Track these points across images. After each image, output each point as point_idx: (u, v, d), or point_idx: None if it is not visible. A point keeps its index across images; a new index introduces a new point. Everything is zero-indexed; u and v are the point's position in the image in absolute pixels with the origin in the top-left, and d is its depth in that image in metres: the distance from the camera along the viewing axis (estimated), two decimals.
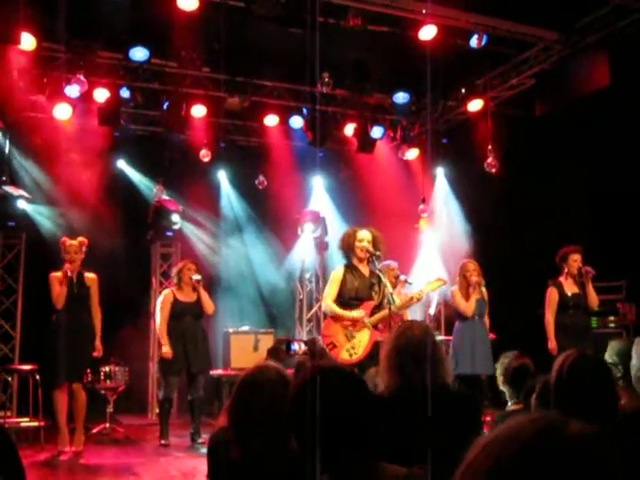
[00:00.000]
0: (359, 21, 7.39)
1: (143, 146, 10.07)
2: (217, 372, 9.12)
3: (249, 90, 9.03)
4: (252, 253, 10.83)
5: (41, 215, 9.30)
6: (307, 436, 1.92)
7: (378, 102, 9.74)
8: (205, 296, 7.86)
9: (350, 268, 6.30)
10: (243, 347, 9.43)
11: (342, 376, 2.09)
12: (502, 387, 3.89)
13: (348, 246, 6.32)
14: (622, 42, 7.27)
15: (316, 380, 1.99)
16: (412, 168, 10.55)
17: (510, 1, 7.41)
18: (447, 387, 3.19)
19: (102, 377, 8.09)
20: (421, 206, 10.10)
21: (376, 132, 9.76)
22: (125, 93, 8.68)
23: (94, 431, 7.97)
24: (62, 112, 8.34)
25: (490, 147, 8.63)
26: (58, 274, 7.22)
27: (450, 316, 8.88)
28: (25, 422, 8.20)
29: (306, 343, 3.73)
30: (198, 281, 7.71)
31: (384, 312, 5.98)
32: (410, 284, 7.54)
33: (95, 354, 7.30)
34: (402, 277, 7.62)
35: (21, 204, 8.95)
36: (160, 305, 7.80)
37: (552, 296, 7.45)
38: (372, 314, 6.14)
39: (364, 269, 6.32)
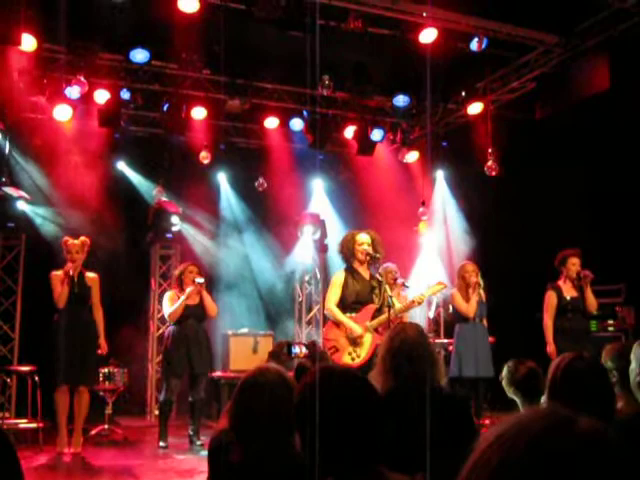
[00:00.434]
0: (359, 24, 7.40)
1: (143, 148, 10.07)
2: (216, 374, 9.12)
3: (249, 92, 9.04)
4: (252, 255, 10.83)
5: (41, 216, 9.30)
6: (313, 438, 1.92)
7: (378, 105, 9.75)
8: (208, 299, 7.85)
9: (351, 272, 6.30)
10: (242, 349, 9.43)
11: (350, 378, 2.08)
12: (513, 395, 3.87)
13: (348, 250, 6.32)
14: (622, 46, 7.28)
15: (323, 382, 1.99)
16: (412, 171, 10.56)
17: (510, 4, 7.41)
18: (441, 389, 3.19)
19: (101, 379, 8.09)
20: (421, 209, 10.11)
21: (376, 135, 9.77)
22: (125, 95, 8.68)
23: (93, 432, 7.96)
24: (62, 113, 8.35)
25: (490, 150, 8.63)
26: (59, 273, 7.23)
27: (449, 319, 8.87)
28: (24, 423, 8.18)
29: (307, 346, 3.72)
30: (201, 284, 7.68)
31: (384, 315, 5.97)
32: (407, 287, 7.55)
33: (100, 352, 7.31)
34: (400, 280, 7.63)
35: (21, 205, 8.95)
36: (168, 302, 7.78)
37: (550, 300, 7.44)
38: (373, 317, 6.14)
39: (364, 272, 6.32)
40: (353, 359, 6.04)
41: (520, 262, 8.55)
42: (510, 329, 8.42)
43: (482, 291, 8.10)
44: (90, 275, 7.37)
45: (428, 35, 7.54)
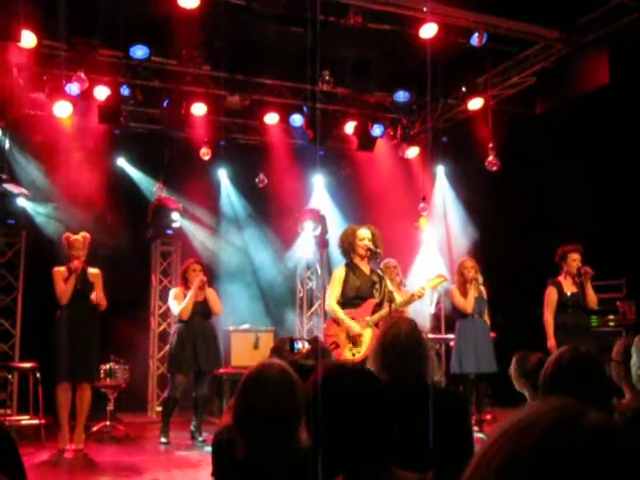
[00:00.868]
0: (360, 19, 7.39)
1: (143, 144, 10.06)
2: (217, 370, 9.12)
3: (249, 88, 9.03)
4: (252, 251, 10.83)
5: (41, 213, 9.30)
6: (324, 435, 1.91)
7: (378, 100, 9.74)
8: (212, 296, 7.86)
9: (351, 267, 6.30)
10: (243, 345, 9.43)
11: (362, 375, 2.08)
12: (522, 388, 3.87)
13: (349, 245, 6.32)
14: (622, 40, 7.27)
15: (335, 379, 1.98)
16: (412, 166, 10.55)
17: None
18: (434, 385, 3.18)
19: (102, 375, 8.09)
20: (421, 204, 10.10)
21: (376, 130, 9.75)
22: (125, 91, 8.67)
23: (94, 429, 7.97)
24: (62, 110, 8.35)
25: (491, 145, 8.62)
26: (62, 269, 7.24)
27: (451, 314, 8.87)
28: (25, 420, 8.20)
29: (309, 341, 3.71)
30: (204, 283, 7.71)
31: (385, 310, 5.97)
32: (404, 287, 7.56)
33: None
34: (397, 278, 7.66)
35: (21, 202, 8.95)
36: (175, 300, 7.80)
37: (551, 295, 7.45)
38: (374, 312, 6.14)
39: (365, 267, 6.32)
40: (354, 355, 6.05)
41: (521, 257, 8.55)
42: (511, 325, 8.42)
43: (482, 287, 8.12)
44: (92, 271, 7.37)
45: (428, 30, 7.54)
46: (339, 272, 6.33)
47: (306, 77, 8.70)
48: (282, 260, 11.00)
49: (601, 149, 8.07)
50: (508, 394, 3.89)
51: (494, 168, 8.61)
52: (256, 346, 9.49)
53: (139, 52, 7.95)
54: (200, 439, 7.64)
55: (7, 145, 8.65)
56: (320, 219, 10.38)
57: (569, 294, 7.40)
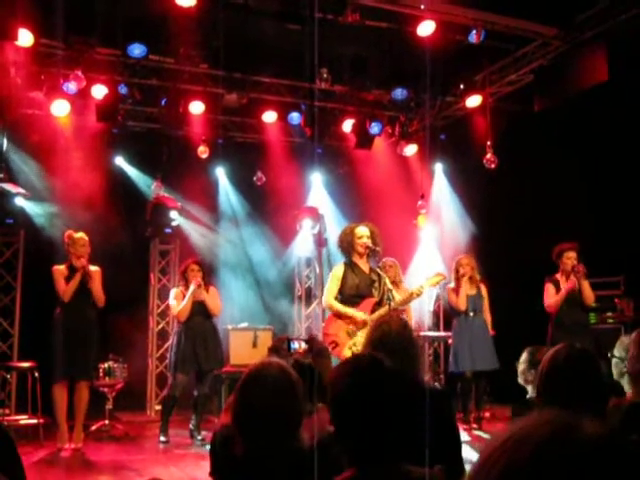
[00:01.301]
0: (357, 16, 7.37)
1: (141, 143, 10.05)
2: (219, 369, 9.12)
3: (247, 86, 9.02)
4: (250, 249, 10.82)
5: (39, 212, 9.28)
6: (349, 428, 1.91)
7: (376, 98, 9.72)
8: (209, 298, 7.84)
9: (350, 265, 6.30)
10: (242, 344, 9.42)
11: (391, 371, 2.06)
12: (527, 383, 3.87)
13: (348, 243, 6.31)
14: (620, 37, 7.27)
15: (363, 376, 1.98)
16: (410, 164, 10.54)
17: None
18: (421, 383, 3.17)
19: (101, 374, 8.09)
20: (419, 202, 10.10)
21: (374, 128, 9.74)
22: (123, 89, 8.65)
23: (93, 428, 7.97)
24: (60, 109, 8.34)
25: (489, 143, 8.62)
26: (61, 267, 7.25)
27: (449, 312, 8.88)
28: (24, 420, 8.19)
29: (306, 341, 3.69)
30: (200, 285, 7.72)
31: (384, 308, 5.97)
32: (402, 283, 7.56)
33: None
34: (397, 277, 7.67)
35: (19, 201, 8.94)
36: (175, 300, 7.80)
37: (549, 290, 7.49)
38: (373, 311, 6.12)
39: (364, 265, 6.31)
40: (353, 353, 6.04)
41: (519, 255, 8.54)
42: (509, 321, 8.41)
43: (482, 285, 8.12)
44: (92, 268, 7.37)
45: (426, 28, 7.52)
46: (338, 270, 6.33)
47: (304, 75, 8.69)
48: (280, 258, 11.00)
49: (599, 147, 8.06)
50: (507, 391, 3.88)
51: (492, 166, 8.61)
52: (254, 344, 9.48)
53: (137, 50, 7.93)
54: (199, 438, 7.64)
55: (5, 144, 8.63)
56: (318, 217, 10.35)
57: None
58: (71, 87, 8.01)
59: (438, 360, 10.77)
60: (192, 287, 7.64)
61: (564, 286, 7.43)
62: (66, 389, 7.18)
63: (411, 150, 10.29)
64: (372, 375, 1.99)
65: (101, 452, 7.19)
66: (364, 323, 6.06)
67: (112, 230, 8.74)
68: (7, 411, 8.66)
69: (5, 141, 8.63)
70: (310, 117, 9.52)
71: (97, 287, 7.33)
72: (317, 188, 11.29)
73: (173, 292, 7.98)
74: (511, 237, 8.89)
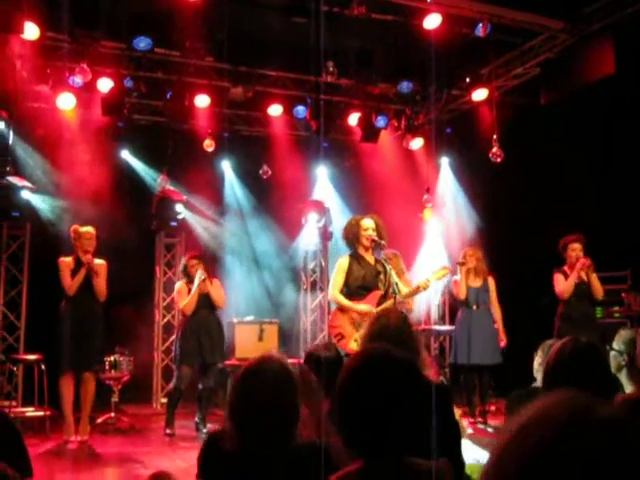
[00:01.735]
0: (363, 10, 7.35)
1: (147, 136, 10.05)
2: (222, 362, 9.13)
3: (253, 80, 9.01)
4: (256, 243, 10.83)
5: (45, 205, 9.30)
6: (356, 420, 1.89)
7: (382, 91, 9.70)
8: (214, 290, 7.86)
9: (355, 257, 6.28)
10: (248, 337, 9.44)
11: (403, 363, 2.04)
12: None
13: (353, 235, 6.30)
14: (627, 30, 7.23)
15: (375, 368, 1.96)
16: (416, 158, 10.52)
17: None
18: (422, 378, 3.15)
19: (107, 367, 8.11)
20: (425, 196, 10.08)
21: (380, 122, 9.72)
22: (128, 83, 8.65)
23: (99, 420, 7.99)
24: (65, 102, 8.34)
25: (495, 136, 8.59)
26: (68, 259, 7.26)
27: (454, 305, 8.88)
28: (30, 412, 8.23)
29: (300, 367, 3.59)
30: (204, 280, 7.73)
31: (390, 301, 5.97)
32: (405, 274, 7.54)
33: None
34: (400, 266, 7.65)
35: (25, 194, 8.94)
36: (177, 295, 7.82)
37: (559, 279, 7.47)
38: (379, 303, 6.11)
39: (369, 258, 6.30)
40: (359, 345, 6.04)
41: (525, 248, 8.53)
42: (514, 315, 8.40)
43: (490, 278, 8.10)
44: (98, 262, 7.38)
45: (432, 21, 7.50)
46: (343, 262, 6.31)
47: (310, 68, 8.67)
48: (286, 251, 11.00)
49: (606, 140, 8.04)
50: (512, 385, 3.87)
51: (498, 159, 8.58)
52: (260, 338, 9.49)
53: (142, 44, 7.91)
54: (204, 431, 7.65)
55: (11, 138, 8.64)
56: (324, 211, 10.37)
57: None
58: (77, 80, 8.02)
59: (444, 354, 10.77)
60: (198, 277, 7.63)
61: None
62: (73, 381, 7.20)
63: (417, 144, 10.27)
64: (381, 367, 1.97)
65: (107, 444, 7.22)
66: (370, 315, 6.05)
67: (118, 223, 8.74)
68: (14, 403, 8.70)
69: (11, 134, 8.65)
70: (316, 110, 9.51)
71: (101, 282, 7.33)
72: (323, 181, 11.28)
73: (177, 287, 7.98)
74: (517, 231, 8.87)
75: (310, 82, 9.41)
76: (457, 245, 9.15)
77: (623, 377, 3.23)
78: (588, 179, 8.07)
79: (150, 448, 7.07)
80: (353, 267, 6.23)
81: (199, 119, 9.49)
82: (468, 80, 9.13)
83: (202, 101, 9.02)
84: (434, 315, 10.41)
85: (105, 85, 8.33)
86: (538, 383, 3.83)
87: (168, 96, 8.96)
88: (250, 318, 9.73)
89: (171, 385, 7.91)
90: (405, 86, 9.30)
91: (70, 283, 7.17)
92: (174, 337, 8.59)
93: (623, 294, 8.69)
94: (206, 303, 7.80)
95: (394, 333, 3.07)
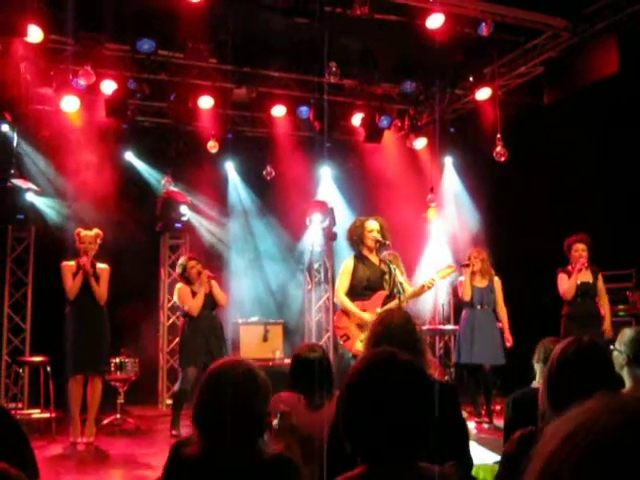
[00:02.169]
0: (366, 10, 7.35)
1: (151, 138, 10.08)
2: None
3: (256, 81, 9.02)
4: (260, 244, 10.84)
5: (50, 208, 9.33)
6: (361, 424, 1.88)
7: (386, 91, 9.71)
8: (216, 289, 7.87)
9: (360, 258, 6.29)
10: (253, 338, 9.45)
11: (409, 367, 2.00)
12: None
13: (358, 237, 6.31)
14: (631, 29, 7.23)
15: (382, 369, 1.94)
16: (420, 157, 10.52)
17: None
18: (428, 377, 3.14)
19: (113, 368, 8.13)
20: (429, 195, 10.08)
21: (384, 122, 9.72)
22: (132, 85, 8.66)
23: (105, 422, 8.01)
24: (69, 104, 8.35)
25: (498, 135, 8.58)
26: (71, 263, 7.27)
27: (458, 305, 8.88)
28: (36, 414, 8.25)
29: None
30: (209, 277, 7.73)
31: (395, 301, 5.97)
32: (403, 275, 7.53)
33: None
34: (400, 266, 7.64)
35: (30, 197, 8.97)
36: (178, 299, 7.82)
37: (563, 279, 7.49)
38: (384, 304, 6.11)
39: (374, 258, 6.31)
40: (364, 346, 6.04)
41: (529, 248, 8.52)
42: (519, 315, 8.39)
43: (496, 278, 8.08)
44: (100, 266, 7.39)
45: (435, 21, 7.49)
46: (348, 263, 6.32)
47: (313, 69, 8.67)
48: (290, 252, 11.01)
49: (610, 139, 8.03)
50: (518, 385, 3.87)
51: (502, 158, 8.58)
52: (265, 338, 9.50)
53: (145, 46, 7.93)
54: None
55: (15, 140, 8.67)
56: (328, 211, 10.37)
57: (579, 283, 7.42)
58: (80, 83, 8.04)
59: (449, 354, 10.77)
60: (205, 277, 7.64)
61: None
62: (82, 384, 7.22)
63: (420, 143, 10.27)
64: (387, 371, 1.95)
65: (113, 446, 7.23)
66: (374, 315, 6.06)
67: (122, 225, 8.76)
68: (20, 405, 8.73)
69: (16, 137, 8.67)
70: (319, 111, 9.50)
71: (101, 286, 7.32)
72: (326, 182, 11.28)
73: (178, 290, 7.90)
74: (521, 230, 8.86)
75: (313, 83, 9.41)
76: (461, 244, 9.15)
77: (625, 376, 3.23)
78: (592, 178, 8.06)
79: (156, 449, 7.07)
80: (358, 268, 6.24)
81: (203, 120, 9.51)
82: (471, 79, 9.12)
83: (205, 102, 9.04)
84: (439, 315, 10.40)
85: (109, 87, 8.34)
86: (536, 384, 3.83)
87: (172, 98, 8.98)
88: (255, 319, 9.74)
89: (176, 386, 7.92)
90: (408, 86, 9.31)
91: (69, 286, 7.18)
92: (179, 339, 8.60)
93: (628, 292, 8.68)
94: (209, 303, 7.81)
95: (397, 332, 3.06)
